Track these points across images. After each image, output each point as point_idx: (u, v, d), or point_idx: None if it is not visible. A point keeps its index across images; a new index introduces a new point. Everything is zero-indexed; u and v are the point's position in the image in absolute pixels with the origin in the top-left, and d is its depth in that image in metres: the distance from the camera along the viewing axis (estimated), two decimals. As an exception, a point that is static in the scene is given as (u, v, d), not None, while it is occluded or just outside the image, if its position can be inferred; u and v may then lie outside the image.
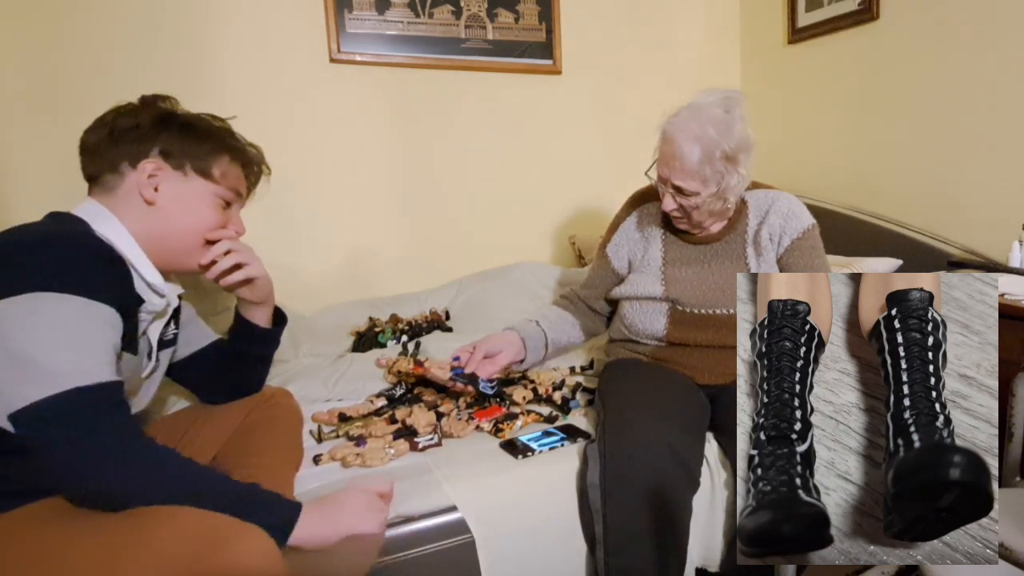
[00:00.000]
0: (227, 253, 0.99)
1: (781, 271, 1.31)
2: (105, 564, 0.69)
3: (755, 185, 1.38)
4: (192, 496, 0.75)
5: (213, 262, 0.98)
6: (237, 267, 1.01)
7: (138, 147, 0.90)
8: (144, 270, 0.89)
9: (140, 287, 0.89)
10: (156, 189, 0.91)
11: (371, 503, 0.92)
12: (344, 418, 1.29)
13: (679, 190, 1.24)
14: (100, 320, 0.78)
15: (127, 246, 0.88)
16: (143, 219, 0.90)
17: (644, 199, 1.44)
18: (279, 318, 1.16)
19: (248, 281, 1.04)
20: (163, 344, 1.00)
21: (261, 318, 1.12)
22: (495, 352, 1.33)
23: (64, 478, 0.74)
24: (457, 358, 1.31)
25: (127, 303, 0.84)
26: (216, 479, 0.81)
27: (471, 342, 1.35)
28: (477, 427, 1.25)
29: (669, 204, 1.26)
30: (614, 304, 1.47)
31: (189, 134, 0.93)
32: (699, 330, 1.30)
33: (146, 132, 0.91)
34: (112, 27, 1.81)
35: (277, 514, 0.81)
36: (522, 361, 1.39)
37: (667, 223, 1.38)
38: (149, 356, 0.96)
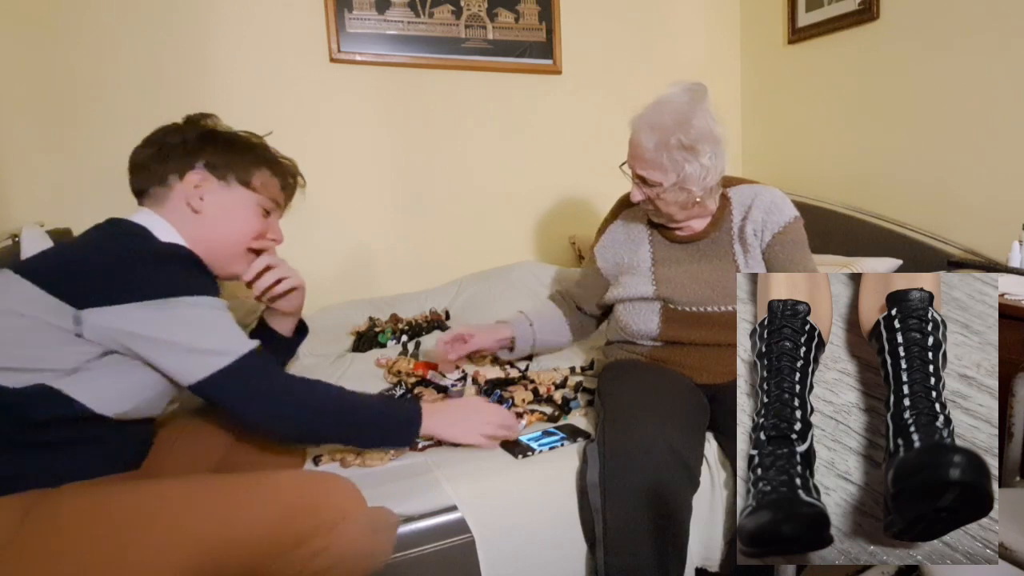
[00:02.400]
0: (267, 269, 1.09)
1: (766, 265, 1.31)
2: (230, 510, 0.82)
3: (739, 181, 1.38)
4: (349, 415, 0.99)
5: (258, 277, 1.09)
6: (278, 281, 1.11)
7: (184, 160, 0.99)
8: None
9: None
10: (201, 199, 0.99)
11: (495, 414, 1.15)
12: (344, 418, 1.29)
13: (643, 180, 1.27)
14: (225, 309, 0.93)
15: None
16: (191, 227, 0.98)
17: (631, 202, 1.44)
18: (301, 329, 1.25)
19: (290, 291, 1.15)
20: None
21: (286, 328, 1.21)
22: (470, 335, 1.44)
23: (256, 420, 0.93)
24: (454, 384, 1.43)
25: None
26: (359, 400, 1.02)
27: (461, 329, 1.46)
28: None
29: (636, 195, 1.30)
30: (607, 308, 1.48)
31: (231, 148, 1.02)
32: (692, 328, 1.30)
33: (192, 147, 0.99)
34: (112, 28, 1.81)
35: (407, 411, 1.06)
36: (511, 350, 1.50)
37: (653, 224, 1.39)
38: None
